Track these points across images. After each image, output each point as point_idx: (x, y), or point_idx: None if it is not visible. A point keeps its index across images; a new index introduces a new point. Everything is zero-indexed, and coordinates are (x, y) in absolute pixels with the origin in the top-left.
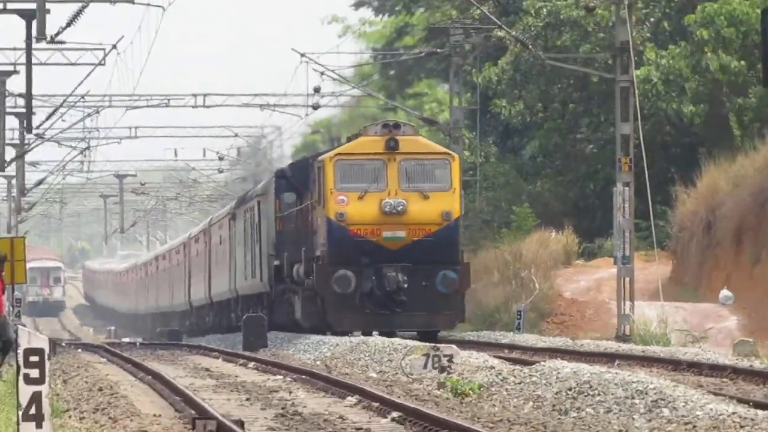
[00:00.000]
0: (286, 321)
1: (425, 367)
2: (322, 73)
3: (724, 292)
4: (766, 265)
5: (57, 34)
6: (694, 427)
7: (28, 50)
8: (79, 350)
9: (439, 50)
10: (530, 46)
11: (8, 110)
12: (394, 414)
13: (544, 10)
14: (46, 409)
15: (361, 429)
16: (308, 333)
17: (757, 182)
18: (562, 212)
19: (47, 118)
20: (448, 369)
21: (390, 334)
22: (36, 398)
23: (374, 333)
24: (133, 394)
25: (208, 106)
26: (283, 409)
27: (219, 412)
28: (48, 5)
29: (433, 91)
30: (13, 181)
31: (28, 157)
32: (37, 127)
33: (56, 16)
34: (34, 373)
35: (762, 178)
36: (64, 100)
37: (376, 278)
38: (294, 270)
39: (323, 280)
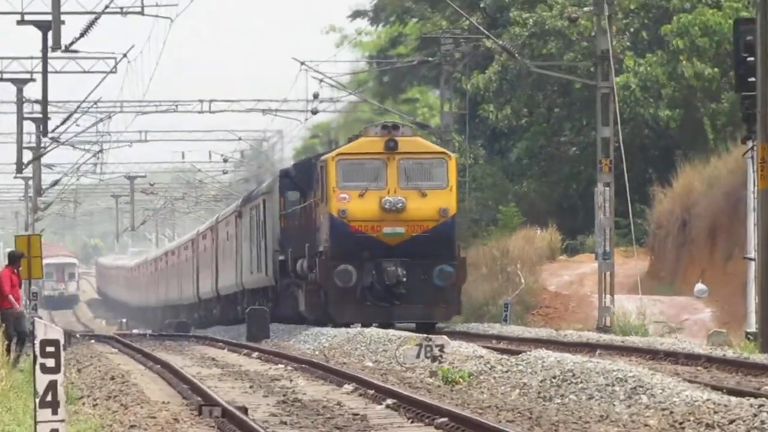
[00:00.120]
0: (290, 313)
1: (418, 356)
2: (321, 80)
3: (699, 286)
4: (738, 261)
5: (71, 44)
6: (671, 412)
7: (44, 59)
8: (92, 341)
9: (430, 59)
10: (516, 55)
11: (25, 115)
12: (389, 401)
13: (530, 20)
14: (62, 396)
15: (357, 415)
16: (311, 325)
17: (729, 183)
18: (547, 211)
19: (62, 123)
20: (439, 358)
21: (389, 326)
22: (52, 386)
23: (373, 325)
24: (143, 382)
25: (214, 112)
26: (284, 396)
27: (224, 399)
28: (63, 17)
29: (424, 97)
30: (30, 182)
31: (44, 160)
32: (53, 132)
33: (70, 27)
34: (50, 362)
35: (734, 179)
36: (78, 106)
37: (376, 272)
38: (298, 265)
39: (326, 274)
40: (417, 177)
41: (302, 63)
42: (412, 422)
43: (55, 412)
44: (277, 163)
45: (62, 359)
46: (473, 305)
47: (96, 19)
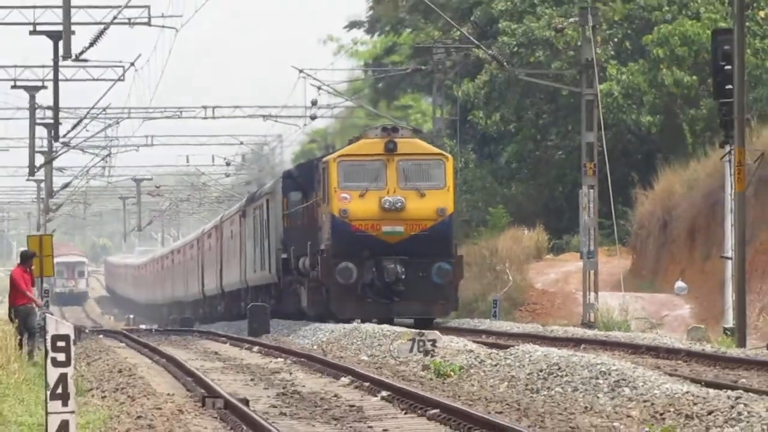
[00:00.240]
0: (292, 309)
1: (411, 350)
2: (319, 88)
3: (679, 284)
4: (716, 260)
5: (81, 52)
6: (653, 404)
7: (55, 67)
8: (101, 336)
9: (423, 67)
10: (505, 64)
11: (38, 121)
12: (384, 393)
13: (519, 30)
14: (72, 388)
15: (353, 406)
16: (313, 321)
17: (708, 185)
18: (534, 212)
19: (72, 128)
20: (431, 352)
21: (388, 322)
22: (62, 379)
23: (373, 321)
24: (149, 375)
25: (217, 117)
26: (283, 388)
27: (226, 392)
28: (73, 27)
29: (417, 103)
30: (42, 185)
31: (55, 163)
32: (64, 136)
33: (80, 36)
34: (61, 356)
35: (712, 181)
36: (88, 112)
37: (376, 270)
38: (300, 263)
39: (327, 271)
40: (416, 177)
41: (301, 71)
42: (406, 413)
43: (65, 404)
44: (277, 167)
45: (72, 353)
46: (464, 302)
47: (105, 29)
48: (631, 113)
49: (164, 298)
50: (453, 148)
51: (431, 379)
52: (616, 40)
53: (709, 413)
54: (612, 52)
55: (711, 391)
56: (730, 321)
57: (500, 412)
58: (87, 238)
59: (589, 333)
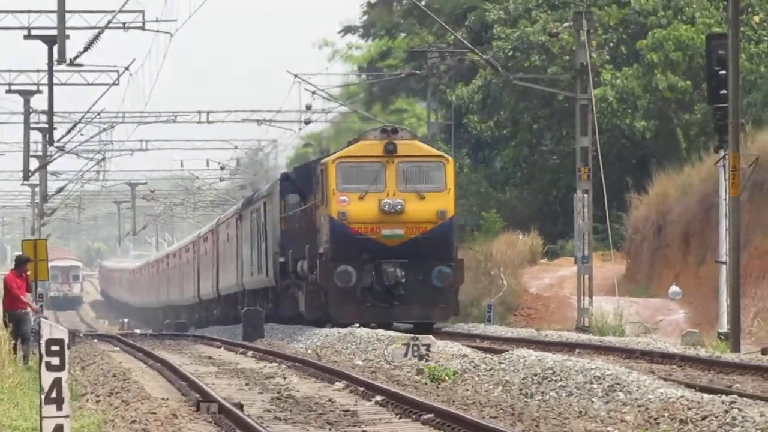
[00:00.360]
0: (290, 314)
1: (406, 355)
2: (314, 92)
3: (673, 288)
4: (711, 265)
5: (76, 57)
6: (647, 409)
7: (50, 72)
8: (95, 340)
9: (417, 72)
10: (499, 68)
11: (32, 126)
12: (378, 397)
13: (513, 35)
14: (66, 393)
15: (348, 411)
16: (311, 325)
17: (702, 190)
18: (528, 217)
19: (67, 133)
20: (426, 357)
21: (387, 326)
22: (57, 383)
23: (371, 325)
24: (143, 379)
25: (211, 122)
26: (278, 393)
27: (221, 396)
28: (68, 32)
29: (412, 107)
30: (37, 189)
31: (50, 168)
32: (58, 141)
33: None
34: (55, 360)
35: (706, 186)
36: (82, 117)
37: (376, 273)
38: (298, 266)
39: (326, 275)
40: (415, 180)
41: (296, 76)
42: (400, 418)
43: (59, 408)
44: (272, 171)
45: (67, 357)
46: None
47: (99, 34)
48: (625, 118)
49: (159, 302)
50: (447, 152)
51: (426, 384)
52: (611, 44)
53: (704, 418)
54: (607, 57)
55: (705, 395)
56: (724, 326)
57: (495, 417)
58: (81, 243)
59: (584, 338)
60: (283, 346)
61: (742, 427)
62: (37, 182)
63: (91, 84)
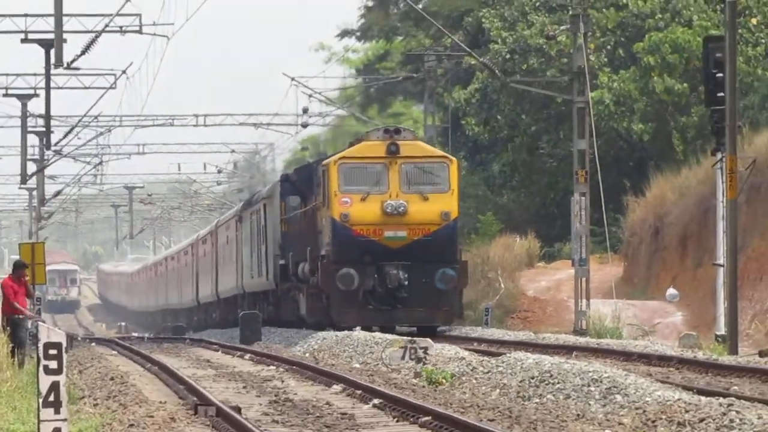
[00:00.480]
0: (291, 317)
1: (403, 358)
2: (310, 96)
3: (671, 291)
4: (708, 267)
5: (73, 61)
6: (644, 411)
7: (47, 76)
8: (93, 344)
9: (414, 75)
10: (496, 72)
11: (30, 129)
12: (375, 400)
13: (510, 38)
14: (64, 396)
15: (345, 414)
16: (312, 328)
17: (699, 192)
18: (526, 220)
19: (64, 137)
20: (423, 360)
21: (390, 330)
22: (54, 387)
23: (373, 328)
24: (141, 382)
25: (208, 125)
26: (275, 396)
27: (218, 399)
28: (64, 35)
29: (409, 110)
30: (34, 193)
31: (47, 171)
32: (55, 145)
33: (72, 45)
34: (53, 364)
35: (704, 188)
36: (80, 120)
37: (378, 276)
38: (299, 269)
39: (328, 277)
40: (419, 181)
41: (293, 79)
42: (398, 421)
43: (57, 412)
44: (269, 174)
45: (64, 361)
46: None
47: (96, 37)
48: (622, 121)
49: (157, 305)
50: None
51: (423, 387)
52: (609, 47)
53: (701, 420)
54: (605, 60)
55: (703, 398)
56: (722, 328)
57: (492, 420)
58: (79, 246)
59: (581, 340)
60: (281, 350)
61: (739, 429)
62: (35, 186)
63: (89, 87)
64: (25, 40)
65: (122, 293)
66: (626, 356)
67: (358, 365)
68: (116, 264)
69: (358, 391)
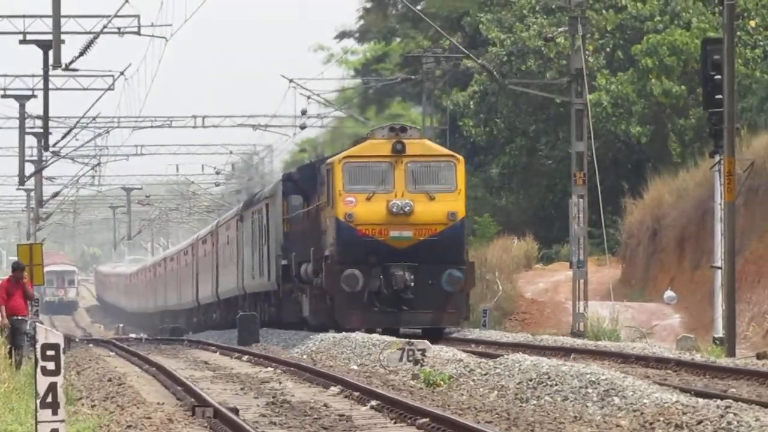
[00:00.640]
0: (293, 318)
1: (401, 360)
2: (309, 97)
3: (668, 293)
4: (706, 270)
5: (71, 62)
6: (642, 413)
7: (45, 77)
8: (91, 345)
9: (413, 76)
10: (495, 74)
11: (28, 130)
12: (373, 402)
13: (508, 40)
14: (61, 397)
15: (343, 416)
16: (315, 330)
17: (697, 195)
18: (524, 221)
19: (62, 138)
20: (421, 362)
21: (395, 332)
22: (52, 388)
23: (377, 330)
24: (138, 384)
25: (206, 127)
26: (273, 397)
27: (216, 401)
28: (63, 36)
29: (407, 112)
30: (32, 194)
31: (45, 173)
32: (54, 146)
33: (70, 45)
34: (51, 365)
35: (702, 191)
36: (78, 121)
37: (384, 277)
38: (302, 269)
39: (332, 278)
40: (425, 180)
41: (291, 80)
42: (395, 423)
43: (55, 413)
44: (267, 176)
45: (62, 362)
46: None
47: (95, 38)
48: (620, 123)
49: (157, 306)
50: None
51: (421, 389)
52: (607, 49)
53: (699, 423)
54: (604, 62)
55: (700, 400)
56: (719, 330)
57: (490, 422)
58: (77, 247)
59: (579, 342)
60: (279, 351)
61: (737, 431)
62: (33, 187)
63: (87, 89)
64: (23, 41)
65: (120, 294)
66: (624, 358)
67: (356, 367)
68: (114, 265)
69: (356, 393)
